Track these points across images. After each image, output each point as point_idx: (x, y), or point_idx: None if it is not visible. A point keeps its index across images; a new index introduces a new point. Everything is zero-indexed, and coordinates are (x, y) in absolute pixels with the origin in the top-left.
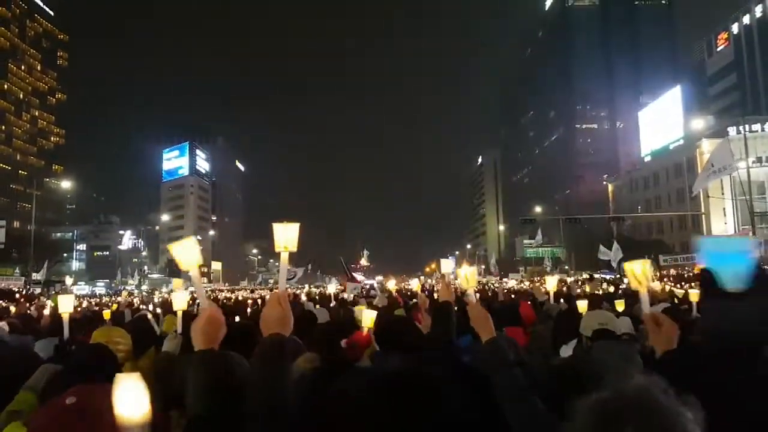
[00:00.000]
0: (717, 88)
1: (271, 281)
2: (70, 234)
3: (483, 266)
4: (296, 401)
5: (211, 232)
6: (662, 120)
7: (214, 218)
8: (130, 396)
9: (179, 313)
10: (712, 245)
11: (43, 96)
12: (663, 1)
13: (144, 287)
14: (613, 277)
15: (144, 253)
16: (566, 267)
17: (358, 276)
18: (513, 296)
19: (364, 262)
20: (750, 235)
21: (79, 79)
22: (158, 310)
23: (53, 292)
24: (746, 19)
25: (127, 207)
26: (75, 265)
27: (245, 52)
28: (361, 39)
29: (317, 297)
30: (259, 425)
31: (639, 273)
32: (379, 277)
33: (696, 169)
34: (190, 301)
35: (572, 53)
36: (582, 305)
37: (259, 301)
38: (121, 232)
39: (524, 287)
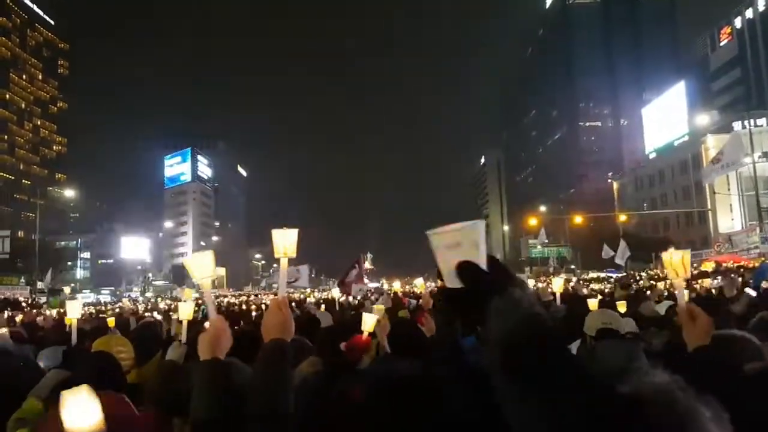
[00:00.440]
0: (721, 83)
1: (275, 286)
2: (74, 243)
3: None
4: (299, 405)
5: (215, 238)
6: (666, 116)
7: (217, 224)
8: (80, 410)
9: (184, 323)
10: None
11: (45, 105)
12: None
13: (148, 294)
14: (618, 275)
15: (148, 261)
16: (572, 266)
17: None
18: None
19: (367, 265)
20: (757, 231)
21: (80, 88)
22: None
23: (51, 299)
24: (749, 13)
25: (130, 214)
26: (80, 273)
27: (245, 53)
28: (361, 39)
29: (322, 301)
30: (261, 429)
31: (677, 262)
32: (382, 282)
33: (701, 165)
34: (196, 308)
35: (573, 51)
36: (593, 303)
37: (263, 306)
38: (125, 239)
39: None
